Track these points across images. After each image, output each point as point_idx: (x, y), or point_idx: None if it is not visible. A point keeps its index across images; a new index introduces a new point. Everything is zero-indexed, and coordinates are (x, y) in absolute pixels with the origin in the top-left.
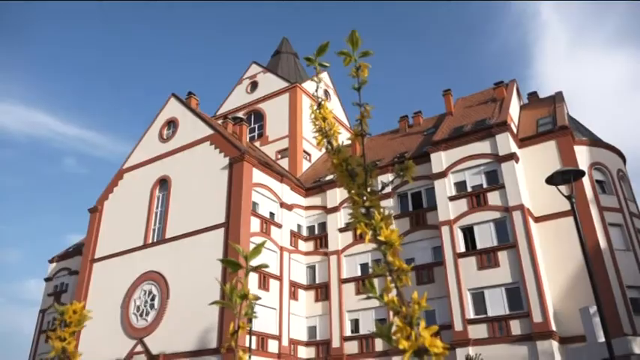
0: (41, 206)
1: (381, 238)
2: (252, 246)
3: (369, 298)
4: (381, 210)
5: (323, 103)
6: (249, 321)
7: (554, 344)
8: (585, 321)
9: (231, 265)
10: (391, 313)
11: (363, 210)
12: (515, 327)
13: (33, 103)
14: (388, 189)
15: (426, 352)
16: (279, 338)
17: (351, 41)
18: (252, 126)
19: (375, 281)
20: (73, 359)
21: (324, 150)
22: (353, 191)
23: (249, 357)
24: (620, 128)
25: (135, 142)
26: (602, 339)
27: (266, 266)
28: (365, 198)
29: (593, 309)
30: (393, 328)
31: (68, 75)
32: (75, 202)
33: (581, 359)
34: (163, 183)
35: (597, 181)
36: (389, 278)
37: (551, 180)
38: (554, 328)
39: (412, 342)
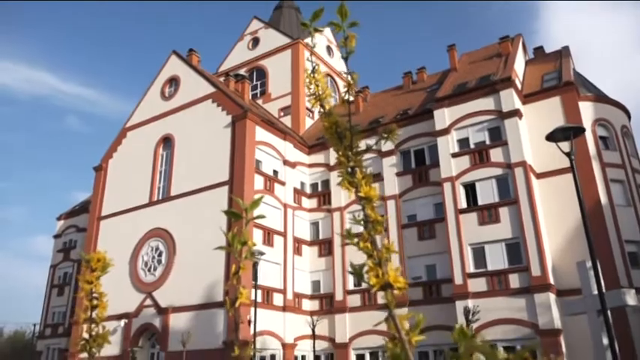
0: (45, 164)
1: (361, 194)
2: (260, 204)
3: (347, 244)
4: (363, 170)
5: (317, 68)
6: (254, 277)
7: (552, 297)
8: (582, 274)
9: (233, 215)
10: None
11: (348, 169)
12: (514, 280)
13: (33, 61)
14: (390, 146)
15: (390, 287)
16: (283, 292)
17: (340, 13)
18: (255, 83)
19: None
20: (101, 298)
21: (328, 107)
22: (340, 152)
23: (255, 309)
24: (627, 83)
25: (136, 101)
26: (596, 291)
27: (263, 217)
28: (350, 159)
29: (590, 263)
30: (365, 269)
31: (67, 33)
32: (79, 159)
33: (576, 310)
34: (167, 141)
35: (601, 137)
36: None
37: (552, 137)
38: (552, 281)
39: (380, 279)
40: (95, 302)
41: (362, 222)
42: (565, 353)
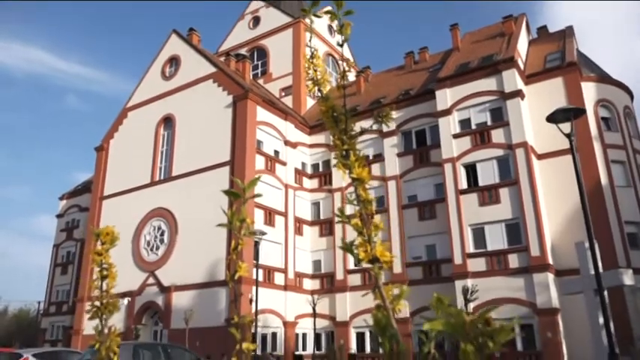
0: (47, 144)
1: (354, 175)
2: (257, 184)
3: (340, 222)
4: (357, 152)
5: (315, 53)
6: (256, 256)
7: (550, 276)
8: (580, 254)
9: (232, 194)
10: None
11: (343, 152)
12: (514, 260)
13: (29, 40)
14: (392, 127)
15: (377, 261)
16: (285, 271)
17: (336, 1)
18: (256, 63)
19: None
20: (110, 269)
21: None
22: (335, 136)
23: (256, 288)
24: (631, 64)
25: (137, 80)
26: (593, 271)
27: (260, 195)
28: (344, 142)
29: (588, 243)
30: (355, 244)
31: (64, 11)
32: (80, 139)
33: (573, 290)
34: (168, 121)
35: (603, 118)
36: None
37: (552, 118)
38: (550, 261)
39: (368, 253)
40: (105, 273)
41: (354, 201)
42: (562, 332)
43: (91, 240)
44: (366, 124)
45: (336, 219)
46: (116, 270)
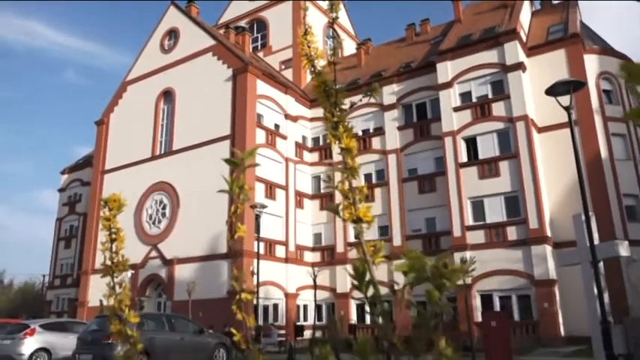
0: (47, 118)
1: (342, 145)
2: (258, 158)
3: (328, 187)
4: (345, 124)
5: (309, 30)
6: (257, 229)
7: (548, 248)
8: (577, 226)
9: (231, 163)
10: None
11: (333, 124)
12: (512, 233)
13: (28, 13)
14: (392, 100)
15: (360, 220)
16: (285, 244)
17: None
18: (255, 35)
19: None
20: (118, 232)
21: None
22: (327, 109)
23: (258, 261)
24: (635, 36)
25: (136, 53)
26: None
27: (257, 165)
28: (334, 115)
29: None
30: (341, 207)
31: None
32: (80, 113)
33: (570, 261)
34: (168, 95)
35: (604, 90)
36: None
37: (552, 91)
38: (549, 233)
39: (352, 214)
40: (114, 236)
41: (342, 169)
42: (559, 302)
43: (93, 214)
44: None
45: (340, 195)
46: (124, 234)
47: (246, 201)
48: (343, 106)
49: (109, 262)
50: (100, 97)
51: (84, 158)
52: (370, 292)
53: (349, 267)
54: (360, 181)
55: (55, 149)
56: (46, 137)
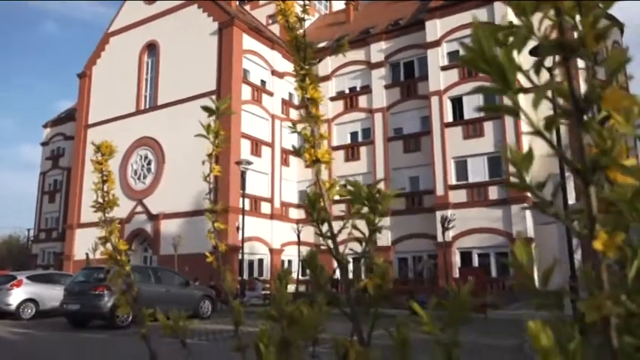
0: (26, 71)
1: (308, 95)
2: (244, 114)
3: (293, 132)
4: (312, 76)
5: None
6: (242, 186)
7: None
8: (554, 186)
9: (207, 110)
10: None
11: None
12: (493, 192)
13: None
14: (380, 58)
15: (319, 161)
16: (271, 201)
17: None
18: None
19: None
20: (109, 176)
21: (317, 15)
22: (296, 62)
23: (243, 217)
24: None
25: (118, 4)
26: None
27: (233, 113)
28: (302, 68)
29: None
30: (303, 149)
31: None
32: (61, 66)
33: (546, 220)
34: (152, 48)
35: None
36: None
37: (535, 52)
38: (528, 193)
39: (312, 155)
40: (105, 178)
41: (306, 117)
42: (535, 260)
43: (78, 168)
44: (356, 54)
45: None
46: (114, 176)
47: (222, 146)
48: (312, 61)
49: (100, 200)
50: (81, 50)
51: (67, 112)
52: (320, 216)
53: (333, 224)
54: (323, 128)
55: (36, 103)
56: (27, 91)
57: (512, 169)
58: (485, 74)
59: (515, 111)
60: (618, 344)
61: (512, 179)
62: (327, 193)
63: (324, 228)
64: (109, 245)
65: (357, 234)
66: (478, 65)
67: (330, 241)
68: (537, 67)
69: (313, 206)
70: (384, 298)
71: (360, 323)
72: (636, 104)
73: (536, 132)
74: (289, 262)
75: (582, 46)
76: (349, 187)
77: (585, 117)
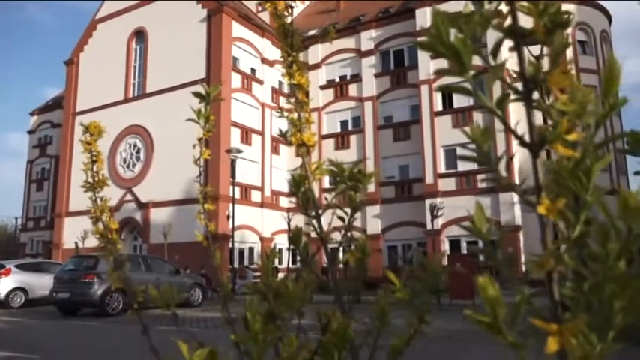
0: (11, 57)
1: (294, 81)
2: (234, 102)
3: (281, 116)
4: (299, 63)
5: None
6: (232, 174)
7: (515, 196)
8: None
9: (198, 95)
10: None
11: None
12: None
13: None
14: (370, 46)
15: (305, 145)
16: (261, 189)
17: None
18: None
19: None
20: (99, 156)
21: (306, 3)
22: (283, 49)
23: (233, 205)
24: None
25: None
26: None
27: (222, 99)
28: (290, 54)
29: None
30: (289, 133)
31: None
32: (47, 53)
33: (532, 209)
34: (140, 35)
35: (579, 41)
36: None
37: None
38: (517, 181)
39: (297, 139)
40: (94, 158)
41: (293, 103)
42: (522, 247)
43: (66, 157)
44: (346, 42)
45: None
46: (103, 157)
47: (212, 131)
48: (299, 48)
49: (90, 180)
50: (69, 36)
51: (54, 99)
52: (305, 197)
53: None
54: (309, 113)
55: (22, 90)
56: (13, 78)
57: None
58: (443, 57)
59: (468, 90)
60: (558, 296)
61: (468, 153)
62: (312, 175)
63: (310, 209)
64: (100, 224)
65: (340, 214)
66: (437, 49)
67: (314, 221)
68: (494, 52)
69: (298, 187)
70: (364, 271)
71: (342, 295)
72: (575, 85)
73: (490, 110)
74: (279, 250)
75: (532, 33)
76: (332, 168)
77: (534, 96)
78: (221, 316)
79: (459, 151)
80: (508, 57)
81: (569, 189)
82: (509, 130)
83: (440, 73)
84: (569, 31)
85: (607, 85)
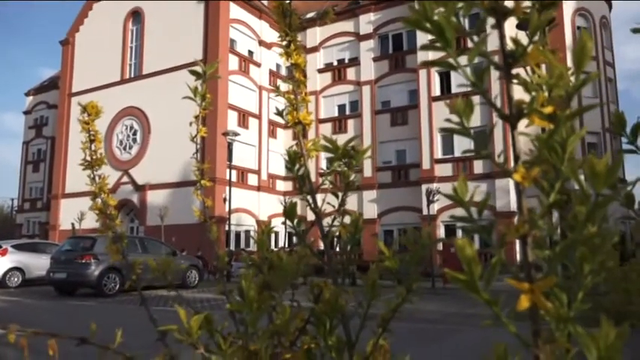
0: (6, 37)
1: (292, 61)
2: (231, 85)
3: (278, 95)
4: (296, 43)
5: None
6: (229, 157)
7: (511, 182)
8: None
9: (194, 73)
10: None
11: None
12: (478, 166)
13: None
14: (369, 29)
15: (300, 123)
16: (258, 173)
17: None
18: None
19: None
20: (96, 135)
21: None
22: (282, 29)
23: (230, 188)
24: None
25: None
26: None
27: (218, 77)
28: (288, 34)
29: None
30: (286, 112)
31: None
32: (42, 33)
33: (529, 193)
34: (136, 15)
35: (579, 27)
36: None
37: (523, 25)
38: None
39: (294, 117)
40: (92, 137)
41: (290, 81)
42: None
43: (62, 138)
44: (344, 25)
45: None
46: (101, 136)
47: (209, 108)
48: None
49: (89, 158)
50: (65, 16)
51: (50, 80)
52: (300, 172)
53: (319, 196)
54: (306, 93)
55: (16, 70)
56: (7, 56)
57: (455, 118)
58: (427, 33)
59: (451, 65)
60: (531, 257)
61: (450, 124)
62: (308, 152)
63: (304, 185)
64: (98, 200)
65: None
66: (422, 25)
67: (309, 197)
68: (478, 29)
69: (293, 163)
70: (356, 244)
71: (335, 265)
72: (551, 60)
73: (472, 83)
74: (276, 233)
75: (512, 11)
76: (326, 144)
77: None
78: (216, 289)
79: (444, 125)
80: (489, 33)
81: (543, 157)
82: (489, 104)
83: (424, 48)
84: (569, 16)
85: (579, 58)
